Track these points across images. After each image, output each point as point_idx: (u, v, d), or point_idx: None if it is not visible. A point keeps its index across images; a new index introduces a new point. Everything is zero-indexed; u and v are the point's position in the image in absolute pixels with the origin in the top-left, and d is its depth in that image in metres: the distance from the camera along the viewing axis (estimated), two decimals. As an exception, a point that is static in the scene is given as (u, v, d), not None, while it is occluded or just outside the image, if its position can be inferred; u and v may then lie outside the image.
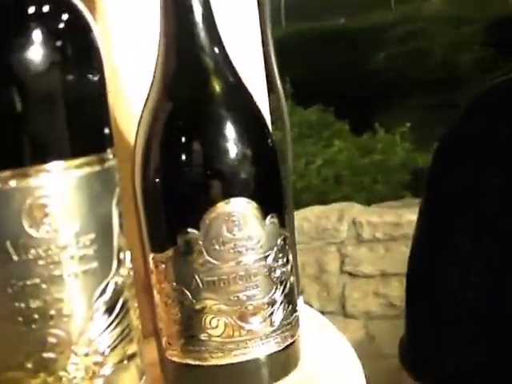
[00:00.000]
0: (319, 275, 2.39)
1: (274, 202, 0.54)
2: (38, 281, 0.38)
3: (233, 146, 0.51)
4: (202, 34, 0.53)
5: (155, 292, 0.54)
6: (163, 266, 0.53)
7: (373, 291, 2.39)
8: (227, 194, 0.51)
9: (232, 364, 0.53)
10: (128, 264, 0.43)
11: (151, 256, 0.53)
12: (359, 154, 3.95)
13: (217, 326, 0.52)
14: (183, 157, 0.52)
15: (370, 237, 2.36)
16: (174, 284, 0.52)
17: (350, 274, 2.41)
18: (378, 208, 2.55)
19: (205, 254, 0.51)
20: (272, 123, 0.73)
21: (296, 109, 3.96)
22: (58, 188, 0.38)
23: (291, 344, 0.56)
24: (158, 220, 0.53)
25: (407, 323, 0.87)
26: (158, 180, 0.53)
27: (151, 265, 0.54)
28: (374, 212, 2.44)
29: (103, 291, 0.40)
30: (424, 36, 4.89)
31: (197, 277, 0.51)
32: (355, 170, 3.75)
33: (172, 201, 0.52)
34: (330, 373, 0.57)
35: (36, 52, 0.37)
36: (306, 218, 2.37)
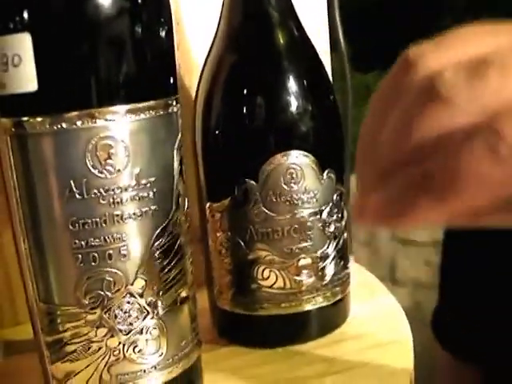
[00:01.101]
0: (370, 240, 2.39)
1: (332, 158, 0.54)
2: (98, 219, 0.39)
3: (294, 100, 0.52)
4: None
5: (210, 241, 0.55)
6: (219, 215, 0.53)
7: (424, 259, 2.37)
8: (286, 147, 0.51)
9: (281, 315, 0.54)
10: (185, 209, 0.44)
11: (208, 205, 0.54)
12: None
13: (268, 277, 0.53)
14: (244, 109, 0.52)
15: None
16: (229, 233, 0.53)
17: (402, 241, 2.40)
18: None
19: (261, 204, 0.51)
20: (333, 82, 0.72)
21: (354, 73, 3.92)
22: (122, 130, 0.39)
23: (341, 299, 0.57)
24: (217, 170, 0.54)
25: (441, 292, 0.87)
26: (218, 130, 0.53)
27: (207, 213, 0.54)
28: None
29: (160, 234, 0.41)
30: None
31: (251, 227, 0.52)
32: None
33: (231, 151, 0.52)
34: (379, 329, 0.57)
35: (107, -2, 0.38)
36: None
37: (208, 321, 0.59)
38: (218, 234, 0.54)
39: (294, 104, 0.51)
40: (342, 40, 0.83)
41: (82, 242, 0.39)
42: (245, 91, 0.52)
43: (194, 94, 0.56)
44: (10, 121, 0.38)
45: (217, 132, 0.53)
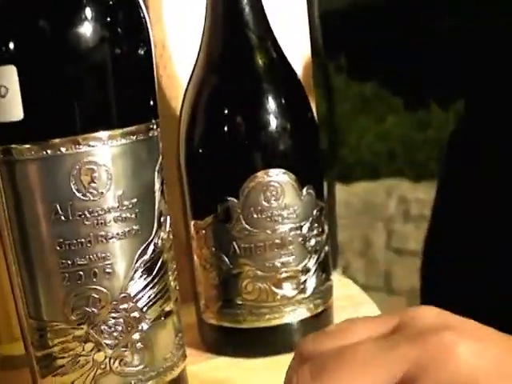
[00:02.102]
0: (365, 250, 2.41)
1: (312, 174, 0.57)
2: (83, 240, 0.41)
3: (273, 119, 0.54)
4: (247, 9, 0.55)
5: (195, 257, 0.57)
6: (203, 232, 0.55)
7: (419, 268, 2.39)
8: (266, 165, 0.53)
9: (265, 328, 0.56)
10: (168, 228, 0.46)
11: (192, 223, 0.56)
12: (413, 129, 3.91)
13: (252, 291, 0.55)
14: (225, 128, 0.54)
15: (418, 214, 2.36)
16: (213, 249, 0.55)
17: (397, 251, 2.42)
18: (427, 185, 2.54)
19: (243, 221, 0.53)
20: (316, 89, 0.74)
21: (350, 83, 3.94)
22: (104, 155, 0.41)
23: (323, 311, 0.59)
24: (200, 188, 0.56)
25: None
26: (200, 149, 0.55)
27: (192, 231, 0.56)
28: (423, 189, 2.44)
29: (143, 252, 0.43)
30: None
31: (234, 243, 0.54)
32: (408, 146, 3.72)
33: (213, 170, 0.55)
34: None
35: (87, 27, 0.40)
36: (354, 192, 2.38)
37: (195, 335, 0.61)
38: (203, 250, 0.56)
39: (273, 123, 0.54)
40: (321, 45, 0.84)
41: (69, 262, 0.41)
42: (225, 112, 0.54)
43: (178, 115, 0.58)
44: (-2, 148, 0.41)
45: (199, 151, 0.55)
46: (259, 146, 0.54)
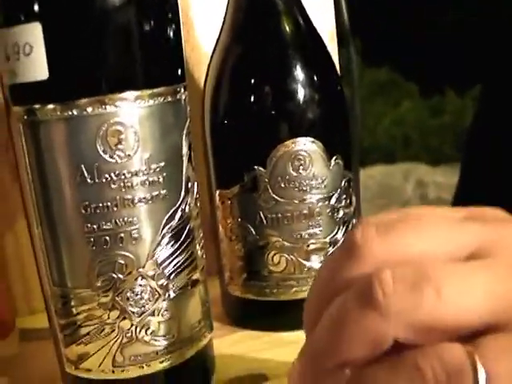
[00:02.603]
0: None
1: (340, 144, 0.55)
2: (109, 204, 0.40)
3: (301, 87, 0.52)
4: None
5: (220, 228, 0.56)
6: (229, 202, 0.54)
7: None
8: (294, 134, 0.52)
9: (291, 301, 0.55)
10: (195, 194, 0.44)
11: (217, 192, 0.55)
12: (428, 115, 3.88)
13: (278, 263, 0.54)
14: (252, 97, 0.52)
15: (436, 197, 2.34)
16: (239, 220, 0.54)
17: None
18: (444, 169, 2.52)
19: (270, 191, 0.52)
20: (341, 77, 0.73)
21: (365, 68, 3.92)
22: (131, 116, 0.39)
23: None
24: (226, 158, 0.55)
25: None
26: (227, 119, 0.54)
27: (217, 201, 0.55)
28: (441, 173, 2.41)
29: (171, 218, 0.42)
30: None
31: (261, 213, 0.53)
32: (424, 131, 3.70)
33: (240, 139, 0.53)
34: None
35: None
36: (371, 175, 2.36)
37: (219, 309, 0.60)
38: (229, 221, 0.54)
39: (301, 91, 0.52)
40: (349, 32, 0.83)
41: (94, 226, 0.40)
42: (252, 80, 0.52)
43: (202, 85, 0.56)
44: (22, 109, 0.39)
45: (225, 120, 0.54)
46: (287, 114, 0.52)
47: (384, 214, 0.32)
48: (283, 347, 0.54)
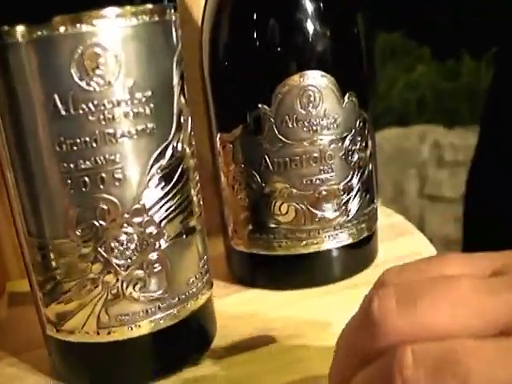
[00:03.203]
0: (397, 197, 2.33)
1: (354, 80, 0.49)
2: (88, 139, 0.34)
3: (311, 15, 0.46)
4: None
5: (222, 176, 0.50)
6: (231, 146, 0.48)
7: (453, 216, 2.32)
8: (302, 66, 0.46)
9: (301, 255, 0.50)
10: (189, 131, 0.39)
11: (218, 136, 0.49)
12: (443, 78, 3.81)
13: (287, 213, 0.48)
14: (255, 26, 0.47)
15: (453, 160, 2.27)
16: (242, 166, 0.48)
17: (430, 198, 2.34)
18: (461, 131, 2.46)
19: (276, 131, 0.46)
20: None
21: (378, 33, 3.84)
22: (111, 36, 0.34)
23: (367, 238, 0.52)
24: (226, 96, 0.49)
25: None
26: (227, 52, 0.48)
27: (218, 146, 0.50)
28: (457, 134, 2.35)
29: (160, 156, 0.36)
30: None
31: (266, 157, 0.47)
32: (438, 95, 3.62)
33: (242, 74, 0.47)
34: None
35: None
36: (385, 138, 2.30)
37: (223, 267, 0.55)
38: (231, 168, 0.49)
39: (310, 19, 0.46)
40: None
41: (71, 165, 0.35)
42: (256, 6, 0.46)
43: (200, 15, 0.50)
44: (-14, 31, 0.34)
45: (225, 54, 0.48)
46: (294, 44, 0.46)
47: (403, 269, 0.30)
48: (292, 306, 0.49)
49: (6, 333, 0.51)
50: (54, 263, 0.37)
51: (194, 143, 0.40)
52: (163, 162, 0.36)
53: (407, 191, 2.30)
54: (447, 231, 2.32)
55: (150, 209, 0.36)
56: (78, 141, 0.34)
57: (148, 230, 0.36)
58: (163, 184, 0.37)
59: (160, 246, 0.37)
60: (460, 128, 2.56)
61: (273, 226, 0.49)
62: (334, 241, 0.49)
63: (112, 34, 0.34)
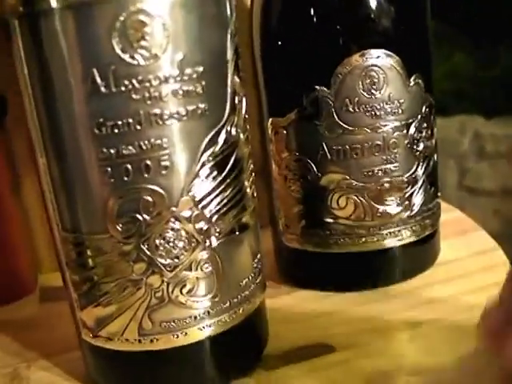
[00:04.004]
0: (436, 190, 2.28)
1: (420, 60, 0.44)
2: (131, 120, 0.30)
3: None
4: None
5: (273, 164, 0.46)
6: (284, 132, 0.44)
7: (492, 209, 2.26)
8: (365, 45, 0.41)
9: (359, 253, 0.45)
10: (243, 113, 0.34)
11: (270, 121, 0.45)
12: (481, 68, 3.74)
13: (345, 207, 0.44)
14: (312, 1, 0.42)
15: (494, 151, 2.21)
16: (297, 154, 0.44)
17: (470, 190, 2.28)
18: (502, 121, 2.38)
19: (335, 116, 0.42)
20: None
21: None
22: (160, 2, 0.29)
23: (430, 235, 0.47)
24: (280, 78, 0.44)
25: None
26: (281, 30, 0.43)
27: (269, 132, 0.45)
28: (498, 125, 2.28)
29: (212, 141, 0.32)
30: None
31: (324, 145, 0.42)
32: (477, 84, 3.55)
33: (297, 53, 0.43)
34: (475, 270, 0.47)
35: None
36: (424, 128, 2.24)
37: (272, 264, 0.50)
38: (283, 156, 0.44)
39: (373, -6, 0.41)
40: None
41: (112, 151, 0.30)
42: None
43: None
44: (17, -3, 0.29)
45: (279, 31, 0.43)
46: (356, 21, 0.42)
47: None
48: (350, 310, 0.44)
49: (37, 331, 0.47)
50: (90, 262, 0.33)
51: (248, 128, 0.35)
52: (215, 148, 0.32)
53: (446, 183, 2.23)
54: (487, 224, 2.26)
55: (199, 201, 0.32)
56: (120, 122, 0.30)
57: (198, 226, 0.32)
58: (215, 173, 0.32)
59: (210, 244, 0.33)
60: (499, 118, 2.49)
61: (329, 221, 0.44)
62: (396, 238, 0.45)
63: (160, 0, 0.29)
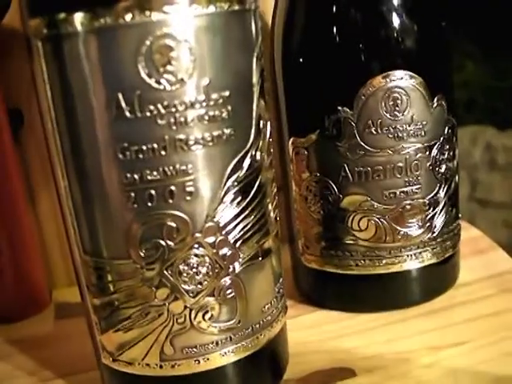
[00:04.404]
0: (447, 201, 2.26)
1: (443, 81, 0.44)
2: (156, 146, 0.29)
3: (396, 10, 0.41)
4: None
5: (293, 185, 0.45)
6: (305, 152, 0.44)
7: (502, 220, 2.24)
8: (388, 66, 0.41)
9: (379, 275, 0.44)
10: (268, 137, 0.34)
11: (291, 141, 0.44)
12: (492, 78, 3.72)
13: (366, 228, 0.43)
14: (335, 21, 0.42)
15: (506, 162, 2.20)
16: (318, 174, 0.43)
17: (481, 202, 2.27)
18: (512, 132, 2.37)
19: (357, 137, 0.41)
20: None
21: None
22: (185, 26, 0.29)
23: (451, 256, 0.47)
24: (302, 97, 0.44)
25: None
26: (303, 49, 0.43)
27: (290, 151, 0.45)
28: (510, 136, 2.27)
29: (237, 166, 0.31)
30: None
31: (346, 166, 0.42)
32: (488, 94, 3.54)
33: (320, 73, 0.42)
34: (495, 293, 0.47)
35: None
36: (435, 139, 2.23)
37: (290, 284, 0.50)
38: (304, 176, 0.44)
39: (397, 12, 0.41)
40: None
41: (136, 176, 0.30)
42: (334, 4, 0.41)
43: (270, 7, 0.45)
44: (41, 20, 0.29)
45: (301, 50, 0.43)
46: (378, 42, 0.41)
47: None
48: (371, 332, 0.44)
49: (53, 349, 0.47)
50: (112, 286, 0.32)
51: (272, 151, 0.35)
52: (240, 173, 0.32)
53: (457, 195, 2.22)
54: (497, 236, 2.24)
55: (224, 227, 0.31)
56: (145, 148, 0.29)
57: (221, 252, 0.32)
58: (239, 199, 0.32)
59: (234, 270, 0.32)
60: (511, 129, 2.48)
61: (350, 242, 0.44)
62: (417, 260, 0.44)
63: (185, 24, 0.29)
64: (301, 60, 0.43)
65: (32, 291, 0.54)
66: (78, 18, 0.29)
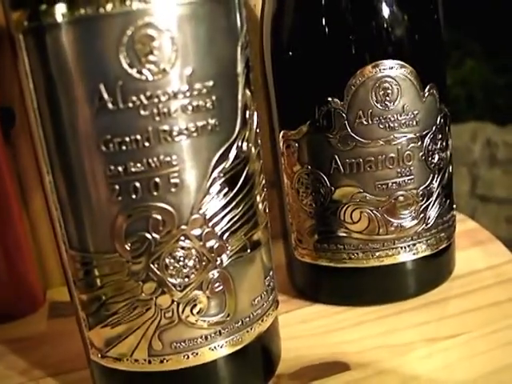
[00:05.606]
0: (448, 197, 2.26)
1: (435, 70, 0.43)
2: (139, 137, 0.29)
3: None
4: None
5: (285, 178, 0.45)
6: (296, 144, 0.43)
7: (505, 217, 2.24)
8: (378, 56, 0.40)
9: (373, 268, 0.44)
10: (255, 127, 0.33)
11: (281, 133, 0.44)
12: (493, 74, 3.72)
13: (358, 220, 0.43)
14: (324, 10, 0.41)
15: (506, 158, 2.19)
16: (309, 167, 0.43)
17: (482, 198, 2.26)
18: (513, 128, 2.37)
19: (348, 129, 0.41)
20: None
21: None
22: (167, 16, 0.29)
23: (446, 248, 0.46)
24: (291, 90, 0.43)
25: None
26: (292, 40, 0.43)
27: (281, 144, 0.44)
28: (510, 132, 2.27)
29: (223, 157, 0.31)
30: None
31: (337, 158, 0.42)
32: (489, 91, 3.54)
33: (309, 64, 0.42)
34: (492, 284, 0.46)
35: None
36: (435, 136, 2.23)
37: (284, 278, 0.49)
38: (295, 169, 0.43)
39: (386, 3, 0.41)
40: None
41: (120, 168, 0.29)
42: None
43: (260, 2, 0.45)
44: (22, 12, 0.29)
45: (290, 41, 0.42)
46: (368, 31, 0.41)
47: None
48: (365, 326, 0.43)
49: (45, 349, 0.46)
50: (99, 281, 0.32)
51: (259, 142, 0.34)
52: (226, 164, 0.31)
53: (458, 191, 2.22)
54: (498, 232, 2.24)
55: (210, 219, 0.31)
56: (128, 139, 0.29)
57: (208, 244, 0.31)
58: (226, 190, 0.31)
59: (222, 263, 0.32)
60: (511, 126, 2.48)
61: (343, 235, 0.43)
62: (411, 252, 0.44)
63: (168, 13, 0.29)
64: (290, 51, 0.43)
65: (26, 291, 0.53)
66: (59, 9, 0.28)
